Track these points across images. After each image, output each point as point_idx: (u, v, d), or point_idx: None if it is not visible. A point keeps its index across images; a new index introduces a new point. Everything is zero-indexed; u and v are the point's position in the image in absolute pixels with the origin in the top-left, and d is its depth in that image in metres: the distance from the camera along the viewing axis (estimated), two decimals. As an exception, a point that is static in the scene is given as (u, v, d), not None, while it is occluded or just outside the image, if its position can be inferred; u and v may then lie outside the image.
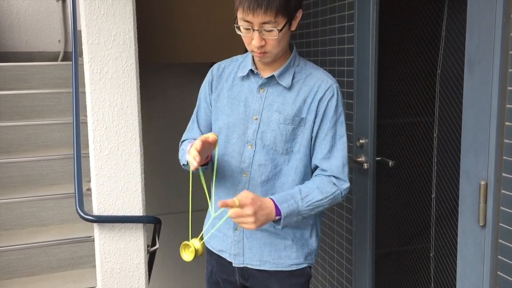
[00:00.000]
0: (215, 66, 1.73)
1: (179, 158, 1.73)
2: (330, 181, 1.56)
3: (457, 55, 2.24)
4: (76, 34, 2.77)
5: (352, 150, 2.51)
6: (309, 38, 2.89)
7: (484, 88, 1.55)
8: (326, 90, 1.57)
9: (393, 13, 2.53)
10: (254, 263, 1.67)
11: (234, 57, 1.72)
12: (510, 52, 1.48)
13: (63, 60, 4.26)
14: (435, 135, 2.50)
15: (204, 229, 1.65)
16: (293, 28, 1.52)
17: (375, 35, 2.28)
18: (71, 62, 2.81)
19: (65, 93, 3.36)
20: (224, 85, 1.67)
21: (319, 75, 1.61)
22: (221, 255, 1.72)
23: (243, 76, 1.63)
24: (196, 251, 1.45)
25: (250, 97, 1.61)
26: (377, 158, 2.40)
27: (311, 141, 1.60)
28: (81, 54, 2.41)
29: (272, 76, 1.58)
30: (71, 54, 2.80)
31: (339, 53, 2.56)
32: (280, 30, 1.44)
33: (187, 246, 1.48)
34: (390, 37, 2.56)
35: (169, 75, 3.75)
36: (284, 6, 1.41)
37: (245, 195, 1.38)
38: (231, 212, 1.35)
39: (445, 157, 2.47)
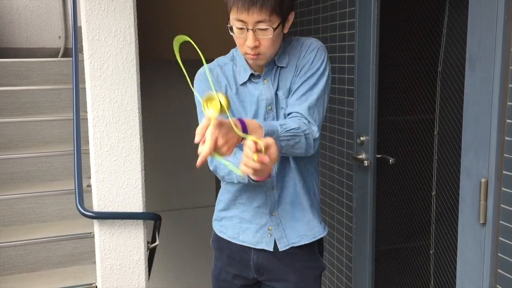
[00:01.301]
0: (208, 69, 1.61)
1: (221, 175, 1.64)
2: (302, 121, 1.50)
3: (458, 52, 2.23)
4: (77, 30, 2.77)
5: (353, 147, 2.51)
6: (309, 35, 2.88)
7: (485, 85, 1.54)
8: (307, 48, 1.56)
9: (394, 10, 2.53)
10: (295, 241, 1.67)
11: (220, 61, 1.66)
12: (512, 49, 1.48)
13: (63, 56, 4.27)
14: (435, 133, 2.49)
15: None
16: (285, 30, 1.52)
17: (376, 32, 2.27)
18: (71, 58, 2.81)
19: (65, 89, 3.36)
20: (227, 89, 1.63)
21: (302, 41, 1.60)
22: (257, 247, 1.68)
23: (245, 82, 1.61)
24: (221, 106, 1.22)
25: (256, 92, 1.60)
26: (378, 156, 2.40)
27: None
28: (81, 50, 2.40)
29: (270, 63, 1.57)
30: (72, 50, 2.80)
31: (340, 50, 2.56)
32: (275, 29, 1.43)
33: (212, 99, 1.23)
34: (391, 34, 2.55)
35: (170, 71, 3.75)
36: (279, 5, 1.41)
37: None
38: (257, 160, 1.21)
39: (445, 155, 2.47)
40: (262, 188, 1.64)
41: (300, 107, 1.53)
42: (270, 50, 1.49)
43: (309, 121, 1.51)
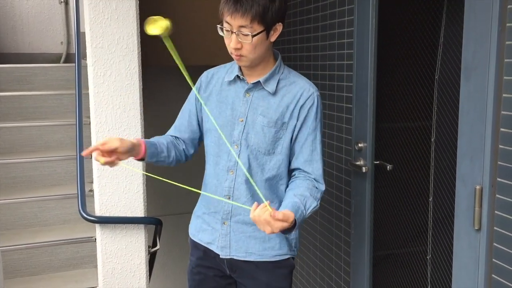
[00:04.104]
0: (205, 73, 1.85)
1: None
2: (313, 185, 1.68)
3: (455, 61, 2.27)
4: (79, 36, 2.80)
5: (351, 153, 2.54)
6: (309, 43, 2.92)
7: (480, 95, 1.58)
8: (308, 98, 1.68)
9: (392, 19, 2.56)
10: (240, 255, 1.76)
11: (223, 65, 1.84)
12: (506, 59, 1.51)
13: (65, 61, 4.29)
14: (432, 140, 2.52)
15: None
16: (272, 39, 1.62)
17: (374, 40, 2.31)
18: (73, 64, 2.84)
19: (67, 95, 3.39)
20: (213, 90, 1.78)
21: (302, 83, 1.71)
22: (209, 247, 1.80)
23: (230, 81, 1.74)
24: (166, 27, 1.32)
25: (236, 100, 1.72)
26: (376, 162, 2.43)
27: (291, 144, 1.72)
28: (83, 56, 2.43)
29: (258, 82, 1.69)
30: (73, 55, 2.83)
31: (339, 58, 2.59)
32: (253, 36, 1.54)
33: (154, 20, 1.36)
34: (389, 42, 2.59)
35: (172, 78, 3.77)
36: (261, 15, 1.53)
37: (287, 214, 1.45)
38: (266, 215, 1.41)
39: (442, 162, 2.50)
40: (217, 195, 1.75)
41: (313, 168, 1.71)
42: (252, 54, 1.60)
43: (319, 182, 1.70)
